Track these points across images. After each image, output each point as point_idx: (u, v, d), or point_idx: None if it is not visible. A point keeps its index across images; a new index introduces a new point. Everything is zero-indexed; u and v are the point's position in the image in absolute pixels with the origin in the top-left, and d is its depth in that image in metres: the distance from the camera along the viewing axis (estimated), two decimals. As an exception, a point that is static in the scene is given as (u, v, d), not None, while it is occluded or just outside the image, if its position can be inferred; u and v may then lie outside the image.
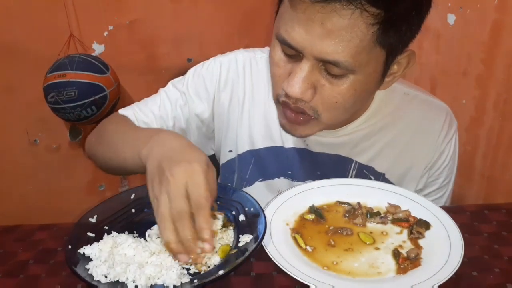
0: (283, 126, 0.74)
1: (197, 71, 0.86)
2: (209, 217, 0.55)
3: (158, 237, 0.62)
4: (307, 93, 0.66)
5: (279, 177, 0.86)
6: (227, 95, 0.84)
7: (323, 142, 0.82)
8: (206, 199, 0.55)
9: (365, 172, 0.83)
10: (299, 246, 0.61)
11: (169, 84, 0.88)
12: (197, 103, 0.84)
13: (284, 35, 0.64)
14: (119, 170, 0.78)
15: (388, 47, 0.64)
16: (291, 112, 0.70)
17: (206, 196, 0.55)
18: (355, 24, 0.59)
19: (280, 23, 0.65)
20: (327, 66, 0.64)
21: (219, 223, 0.62)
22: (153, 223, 0.65)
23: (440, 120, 0.83)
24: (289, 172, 0.85)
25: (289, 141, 0.84)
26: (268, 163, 0.86)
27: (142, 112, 0.84)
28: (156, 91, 0.89)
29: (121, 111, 0.86)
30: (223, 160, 0.90)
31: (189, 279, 0.54)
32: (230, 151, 0.88)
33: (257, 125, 0.84)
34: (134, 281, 0.53)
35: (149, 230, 0.64)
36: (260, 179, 0.87)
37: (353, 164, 0.83)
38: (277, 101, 0.73)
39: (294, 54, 0.65)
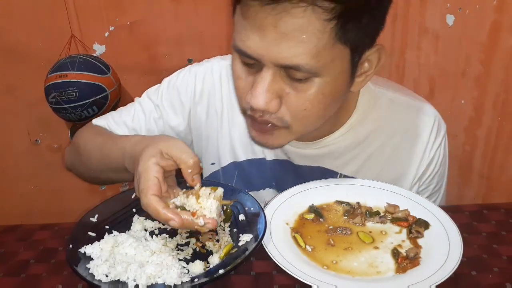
0: (253, 139, 0.70)
1: (171, 82, 0.83)
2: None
3: (158, 235, 0.62)
4: (272, 103, 0.62)
5: (264, 189, 0.84)
6: (203, 108, 0.81)
7: (304, 154, 0.79)
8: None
9: None
10: (299, 246, 0.61)
11: (144, 94, 0.85)
12: (172, 116, 0.82)
13: (239, 44, 0.61)
14: (105, 177, 0.79)
15: (351, 43, 0.59)
16: (259, 124, 0.66)
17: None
18: (309, 22, 0.56)
19: (236, 33, 0.62)
20: (289, 72, 0.60)
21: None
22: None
23: (428, 127, 0.79)
24: (274, 184, 0.83)
25: (271, 153, 0.81)
26: (252, 175, 0.83)
27: (116, 123, 0.83)
28: (156, 92, 0.89)
29: (95, 121, 0.85)
30: (206, 173, 0.87)
31: (189, 278, 0.54)
32: (213, 163, 0.86)
33: (238, 136, 0.82)
34: (134, 280, 0.53)
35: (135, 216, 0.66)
36: (246, 191, 0.85)
37: (337, 177, 0.79)
38: (244, 114, 0.69)
39: (254, 63, 0.62)
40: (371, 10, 0.59)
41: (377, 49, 0.64)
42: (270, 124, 0.66)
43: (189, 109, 0.82)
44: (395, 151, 0.79)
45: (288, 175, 0.81)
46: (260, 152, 0.82)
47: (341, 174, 0.79)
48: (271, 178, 0.83)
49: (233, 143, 0.82)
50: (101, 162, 0.75)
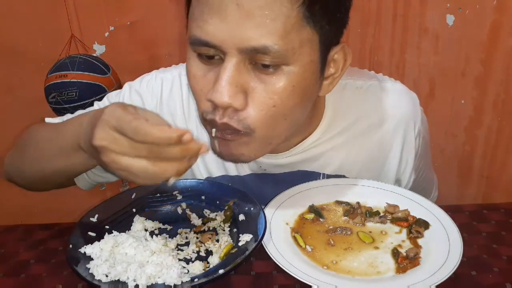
0: (219, 154, 0.63)
1: (134, 87, 0.78)
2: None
3: (157, 235, 0.62)
4: (237, 97, 0.55)
5: None
6: (168, 118, 0.75)
7: (280, 163, 0.74)
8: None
9: None
10: (299, 246, 0.61)
11: (105, 98, 0.81)
12: None
13: (196, 32, 0.55)
14: (50, 171, 0.70)
15: (319, 29, 0.56)
16: (220, 131, 0.59)
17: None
18: None
19: (191, 22, 0.56)
20: (256, 58, 0.54)
21: None
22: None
23: (402, 104, 0.76)
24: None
25: (245, 168, 0.77)
26: None
27: None
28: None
29: (48, 120, 0.80)
30: None
31: (189, 279, 0.54)
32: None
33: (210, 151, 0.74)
34: (134, 280, 0.53)
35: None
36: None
37: (320, 177, 0.76)
38: (204, 121, 0.61)
39: (214, 55, 0.56)
40: None
41: (341, 47, 0.62)
42: (230, 133, 0.59)
43: None
44: (374, 137, 0.76)
45: (266, 187, 0.75)
46: (233, 169, 0.77)
47: (324, 174, 0.76)
48: (250, 193, 0.74)
49: (205, 157, 0.77)
50: (53, 143, 0.68)
